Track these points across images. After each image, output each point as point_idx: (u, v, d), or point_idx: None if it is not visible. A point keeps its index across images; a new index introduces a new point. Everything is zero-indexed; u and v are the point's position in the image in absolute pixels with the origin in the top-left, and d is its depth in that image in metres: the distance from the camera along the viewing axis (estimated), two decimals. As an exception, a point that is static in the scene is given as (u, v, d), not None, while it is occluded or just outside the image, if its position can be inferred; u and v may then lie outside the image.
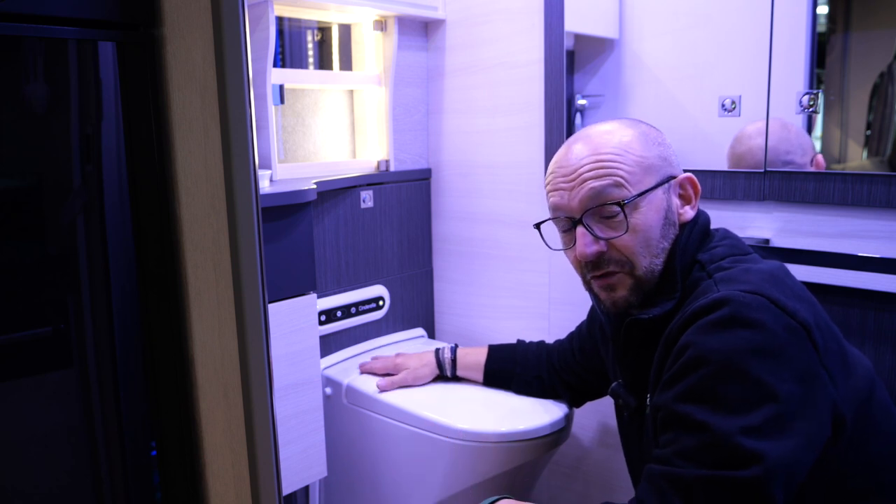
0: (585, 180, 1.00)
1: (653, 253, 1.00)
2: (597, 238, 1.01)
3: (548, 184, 1.07)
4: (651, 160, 1.01)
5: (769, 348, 0.84)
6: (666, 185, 1.02)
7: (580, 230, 1.01)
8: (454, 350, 1.50)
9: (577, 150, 1.03)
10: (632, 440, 1.11)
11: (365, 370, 1.57)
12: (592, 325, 1.31)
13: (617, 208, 0.99)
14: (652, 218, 1.00)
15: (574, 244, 1.03)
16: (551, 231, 1.10)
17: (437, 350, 1.51)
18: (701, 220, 1.05)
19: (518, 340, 1.48)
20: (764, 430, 0.82)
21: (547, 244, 1.12)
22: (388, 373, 1.53)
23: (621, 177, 0.99)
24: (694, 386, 0.86)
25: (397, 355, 1.56)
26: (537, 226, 1.11)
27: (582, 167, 1.01)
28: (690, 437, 0.84)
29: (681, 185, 1.04)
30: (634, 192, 0.99)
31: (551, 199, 1.05)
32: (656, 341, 0.99)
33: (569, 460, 1.68)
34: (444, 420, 1.35)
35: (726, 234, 1.05)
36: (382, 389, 1.47)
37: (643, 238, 1.00)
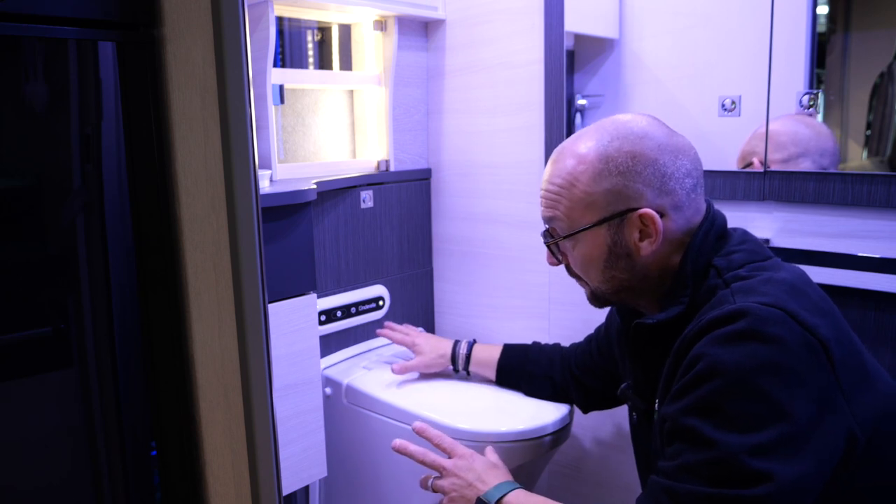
0: (541, 205, 1.05)
1: (599, 279, 1.03)
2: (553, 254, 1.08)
3: None
4: (596, 196, 0.97)
5: (785, 366, 0.81)
6: (616, 220, 0.97)
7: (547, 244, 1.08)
8: (471, 346, 1.51)
9: (547, 169, 1.05)
10: (640, 443, 1.10)
11: (381, 334, 1.62)
12: (610, 324, 1.30)
13: (552, 238, 1.05)
14: (589, 253, 1.01)
15: None
16: None
17: (456, 343, 1.53)
18: (717, 221, 0.99)
19: (534, 342, 1.47)
20: (773, 451, 0.79)
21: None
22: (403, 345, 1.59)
23: (560, 211, 1.01)
24: (703, 399, 0.83)
25: (419, 334, 1.59)
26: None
27: (542, 190, 1.05)
28: (695, 453, 0.83)
29: (642, 220, 0.97)
30: (567, 231, 1.01)
31: None
32: (666, 345, 0.96)
33: (569, 460, 1.68)
34: (444, 420, 1.35)
35: (744, 238, 1.00)
36: (396, 373, 1.53)
37: (581, 268, 1.04)
